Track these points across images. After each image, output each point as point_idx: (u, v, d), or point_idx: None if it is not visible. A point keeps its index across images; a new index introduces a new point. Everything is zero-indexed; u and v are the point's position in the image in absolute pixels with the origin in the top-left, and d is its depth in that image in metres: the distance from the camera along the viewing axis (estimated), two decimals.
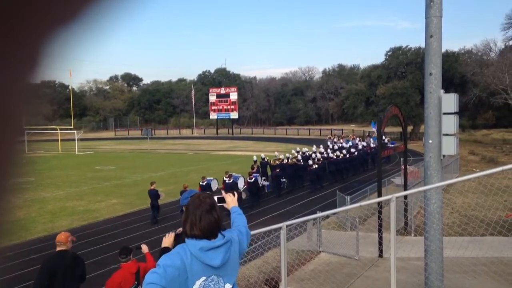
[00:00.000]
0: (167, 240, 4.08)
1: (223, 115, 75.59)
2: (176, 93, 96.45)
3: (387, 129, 41.30)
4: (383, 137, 37.00)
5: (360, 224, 13.47)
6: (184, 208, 3.24)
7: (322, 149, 30.48)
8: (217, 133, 75.02)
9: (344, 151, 28.44)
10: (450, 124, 6.93)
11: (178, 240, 3.79)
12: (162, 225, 16.66)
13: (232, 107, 74.05)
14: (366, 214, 16.19)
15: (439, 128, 6.98)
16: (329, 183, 24.78)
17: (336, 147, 31.70)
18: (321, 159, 25.17)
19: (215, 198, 3.10)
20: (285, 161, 24.70)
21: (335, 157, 26.69)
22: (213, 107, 75.07)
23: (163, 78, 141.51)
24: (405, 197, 12.91)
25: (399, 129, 33.94)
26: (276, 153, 28.61)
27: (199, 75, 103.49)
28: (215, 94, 74.99)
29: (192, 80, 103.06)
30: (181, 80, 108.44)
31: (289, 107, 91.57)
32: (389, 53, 60.01)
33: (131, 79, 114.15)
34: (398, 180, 21.71)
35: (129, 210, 19.67)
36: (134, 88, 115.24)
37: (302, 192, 23.01)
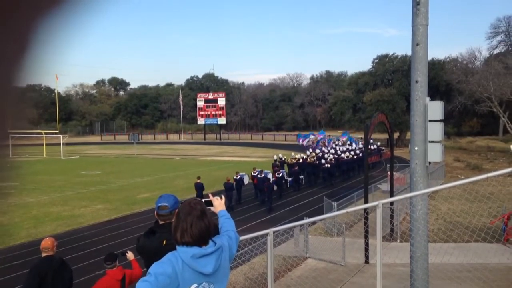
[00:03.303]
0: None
1: (210, 121, 75.46)
2: (164, 98, 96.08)
3: (373, 136, 41.69)
4: (372, 144, 37.49)
5: (346, 230, 13.54)
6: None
7: (331, 149, 33.64)
8: (204, 139, 74.86)
9: (352, 153, 31.67)
10: (436, 131, 7.01)
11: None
12: None
13: (220, 112, 74.00)
14: (352, 220, 16.27)
15: (424, 135, 7.06)
16: (341, 180, 28.01)
17: (338, 149, 34.70)
18: (333, 159, 28.39)
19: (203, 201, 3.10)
20: (301, 160, 27.89)
21: (345, 158, 30.09)
22: (201, 112, 74.90)
23: (151, 83, 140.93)
24: (391, 203, 13.02)
25: (386, 136, 34.25)
26: (293, 154, 30.91)
27: (187, 80, 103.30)
28: (203, 99, 74.88)
29: (180, 85, 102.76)
30: (168, 85, 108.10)
31: (277, 113, 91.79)
32: (376, 61, 60.66)
33: (118, 84, 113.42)
34: (385, 186, 21.87)
35: (115, 216, 19.48)
36: (121, 93, 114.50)
37: (289, 198, 23.07)
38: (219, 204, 3.37)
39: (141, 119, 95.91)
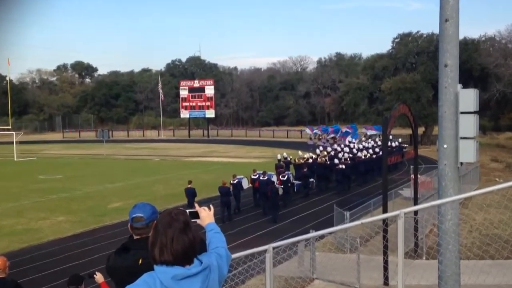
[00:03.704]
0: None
1: (196, 114, 75.42)
2: (139, 87, 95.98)
3: (394, 131, 41.55)
4: (392, 140, 37.53)
5: (361, 245, 13.56)
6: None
7: (346, 148, 33.73)
8: (189, 136, 74.83)
9: (370, 151, 31.90)
10: (469, 125, 7.02)
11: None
12: None
13: (208, 103, 73.99)
14: (368, 233, 16.29)
15: (455, 130, 7.07)
16: (357, 184, 28.12)
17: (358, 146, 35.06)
18: (348, 159, 28.41)
19: (188, 212, 3.09)
20: (310, 160, 27.87)
21: (363, 157, 30.04)
22: (185, 104, 74.86)
23: (123, 68, 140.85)
24: (415, 212, 13.05)
25: (409, 131, 34.34)
26: (300, 152, 31.07)
27: (168, 65, 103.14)
28: (187, 87, 74.83)
29: (159, 70, 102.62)
30: (145, 71, 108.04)
31: (277, 104, 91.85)
32: (396, 40, 60.79)
33: (84, 69, 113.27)
34: (407, 192, 21.91)
35: (80, 230, 19.43)
36: (87, 80, 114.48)
37: (294, 206, 23.09)
38: (206, 216, 3.36)
39: (112, 112, 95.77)
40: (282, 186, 22.90)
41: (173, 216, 2.76)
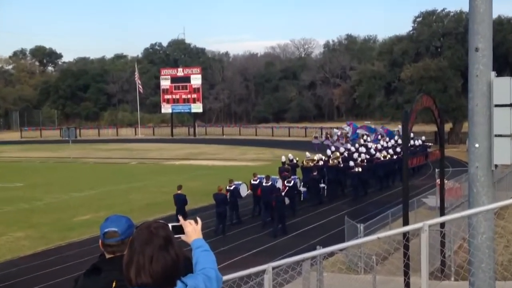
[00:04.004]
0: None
1: (180, 108, 75.26)
2: (112, 76, 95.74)
3: (415, 128, 41.62)
4: (414, 138, 37.50)
5: (378, 265, 13.57)
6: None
7: (362, 147, 34.37)
8: (172, 134, 74.74)
9: (391, 151, 32.42)
10: (505, 120, 7.03)
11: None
12: None
13: (194, 96, 73.87)
14: (386, 249, 16.30)
15: (489, 126, 7.08)
16: (375, 190, 28.74)
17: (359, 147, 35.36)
18: (365, 160, 28.90)
19: (170, 226, 3.08)
20: (320, 162, 28.22)
21: (382, 158, 30.53)
22: (167, 97, 74.69)
23: (93, 54, 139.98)
24: (442, 225, 13.07)
25: (434, 128, 34.38)
26: (308, 154, 31.58)
27: (146, 50, 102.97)
28: (169, 77, 74.70)
29: (136, 56, 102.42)
30: (119, 57, 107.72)
31: (277, 96, 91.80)
32: (418, 20, 60.81)
33: (45, 56, 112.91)
34: (432, 200, 21.94)
35: (42, 247, 19.36)
36: (50, 69, 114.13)
37: (299, 217, 23.10)
38: (192, 231, 3.35)
39: (80, 107, 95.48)
40: (287, 194, 22.94)
41: (152, 230, 2.76)
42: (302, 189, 26.07)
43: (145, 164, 44.45)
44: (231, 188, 22.05)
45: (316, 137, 53.27)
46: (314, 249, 10.62)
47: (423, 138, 40.97)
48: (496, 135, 7.05)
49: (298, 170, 28.97)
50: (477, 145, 7.14)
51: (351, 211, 23.07)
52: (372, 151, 32.67)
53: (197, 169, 39.45)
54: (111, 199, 28.00)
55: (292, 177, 24.60)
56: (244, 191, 23.32)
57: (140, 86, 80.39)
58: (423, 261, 6.12)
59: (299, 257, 8.91)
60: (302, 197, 25.89)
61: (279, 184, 22.96)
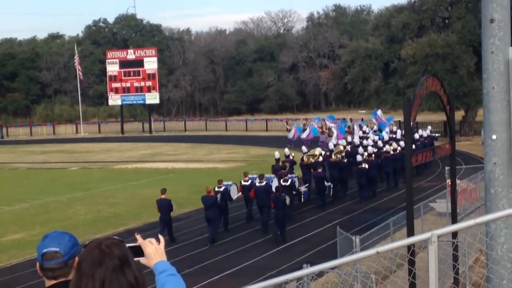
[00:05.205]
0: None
1: (132, 99, 74.88)
2: (46, 61, 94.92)
3: (420, 118, 42.07)
4: (419, 130, 37.77)
5: (377, 285, 13.67)
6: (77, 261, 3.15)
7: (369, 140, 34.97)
8: (122, 132, 74.46)
9: (402, 143, 32.46)
10: None
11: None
12: None
13: (149, 84, 73.55)
14: (387, 267, 16.43)
15: (508, 114, 7.15)
16: (385, 189, 30.02)
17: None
18: (373, 155, 29.87)
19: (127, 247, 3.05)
20: (320, 158, 29.27)
21: (392, 152, 31.54)
22: (115, 85, 74.31)
23: (22, 35, 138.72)
24: (454, 234, 13.20)
25: (442, 117, 34.67)
26: (304, 148, 32.33)
27: (88, 28, 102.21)
28: (117, 61, 74.31)
29: (75, 36, 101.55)
30: (54, 37, 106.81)
31: (251, 82, 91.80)
32: None
33: None
34: (442, 205, 22.11)
35: None
36: None
37: (293, 223, 23.18)
38: (154, 252, 3.32)
39: (6, 100, 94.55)
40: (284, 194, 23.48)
41: (104, 249, 2.75)
42: (303, 189, 26.85)
43: (90, 169, 44.18)
44: (221, 189, 22.82)
45: (287, 129, 53.22)
46: (301, 268, 10.66)
47: (429, 128, 41.27)
48: None
49: (296, 168, 29.92)
50: (494, 137, 7.20)
51: (345, 219, 23.22)
52: (380, 143, 33.67)
53: (155, 174, 39.30)
54: (49, 213, 27.79)
55: (289, 175, 25.28)
56: (234, 192, 24.23)
57: (81, 73, 79.59)
58: (431, 280, 6.18)
59: (281, 279, 8.94)
60: (302, 199, 26.78)
61: (274, 183, 23.72)
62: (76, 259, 2.95)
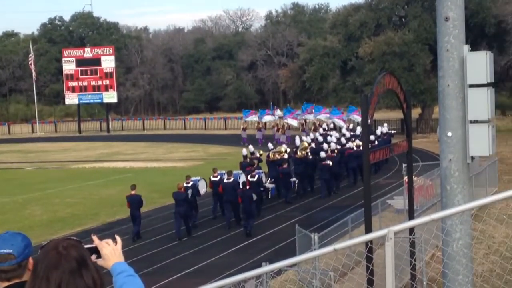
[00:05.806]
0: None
1: (90, 98, 74.26)
2: (1, 59, 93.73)
3: (377, 116, 42.41)
4: (376, 127, 38.06)
5: (336, 282, 13.71)
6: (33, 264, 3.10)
7: (333, 137, 35.87)
8: (79, 131, 73.79)
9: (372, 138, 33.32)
10: (481, 103, 7.16)
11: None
12: None
13: (106, 82, 73.06)
14: (346, 264, 16.50)
15: (463, 111, 7.21)
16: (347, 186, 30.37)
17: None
18: (336, 151, 30.36)
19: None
20: (285, 155, 29.55)
21: (355, 148, 31.60)
22: (71, 84, 73.63)
23: None
24: (411, 231, 13.31)
25: (399, 114, 34.95)
26: (270, 145, 33.12)
27: (43, 26, 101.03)
28: (73, 59, 73.65)
29: (30, 34, 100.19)
30: (8, 35, 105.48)
31: (210, 80, 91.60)
32: None
33: None
34: (399, 202, 22.30)
35: None
36: None
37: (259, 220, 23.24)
38: (111, 253, 3.28)
39: None
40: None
41: (61, 250, 2.70)
42: (270, 185, 27.34)
43: (46, 169, 43.65)
44: (189, 185, 22.98)
45: (244, 129, 53.52)
46: (260, 266, 10.64)
47: (386, 126, 41.57)
48: (471, 121, 7.16)
49: (261, 165, 30.05)
50: (449, 134, 7.26)
51: (303, 217, 23.29)
52: (343, 140, 34.33)
53: (112, 173, 38.99)
54: (4, 215, 27.38)
55: (256, 171, 25.48)
56: (202, 187, 24.68)
57: (35, 72, 78.62)
58: (388, 276, 6.21)
59: (238, 278, 8.92)
60: (270, 195, 27.19)
61: (242, 179, 24.06)
62: (31, 260, 2.90)
